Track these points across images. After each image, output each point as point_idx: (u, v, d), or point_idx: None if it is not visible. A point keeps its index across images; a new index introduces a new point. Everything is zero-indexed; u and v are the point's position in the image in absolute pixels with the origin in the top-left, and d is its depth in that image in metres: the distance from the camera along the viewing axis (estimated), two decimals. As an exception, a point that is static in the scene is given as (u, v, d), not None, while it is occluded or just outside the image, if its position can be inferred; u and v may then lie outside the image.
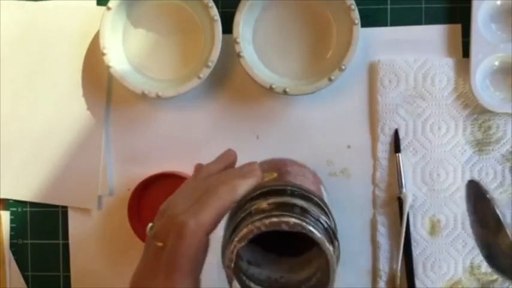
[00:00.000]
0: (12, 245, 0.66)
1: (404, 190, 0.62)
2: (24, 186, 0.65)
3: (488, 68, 0.61)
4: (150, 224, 0.46)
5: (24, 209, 0.66)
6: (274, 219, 0.40)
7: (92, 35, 0.64)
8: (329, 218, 0.45)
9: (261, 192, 0.45)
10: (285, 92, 0.60)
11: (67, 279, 0.65)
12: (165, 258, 0.42)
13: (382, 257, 0.63)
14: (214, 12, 0.60)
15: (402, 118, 0.63)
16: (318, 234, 0.41)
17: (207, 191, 0.44)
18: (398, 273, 0.62)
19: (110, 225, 0.65)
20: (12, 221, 0.66)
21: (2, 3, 0.65)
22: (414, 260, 0.62)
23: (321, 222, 0.43)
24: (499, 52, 0.60)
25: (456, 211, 0.62)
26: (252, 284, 0.43)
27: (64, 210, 0.65)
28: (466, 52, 0.62)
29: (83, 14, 0.64)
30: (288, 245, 0.46)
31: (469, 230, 0.62)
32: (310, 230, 0.41)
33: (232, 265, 0.41)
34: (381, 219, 0.63)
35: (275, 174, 0.49)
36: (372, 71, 0.63)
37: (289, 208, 0.43)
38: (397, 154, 0.62)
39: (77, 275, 0.65)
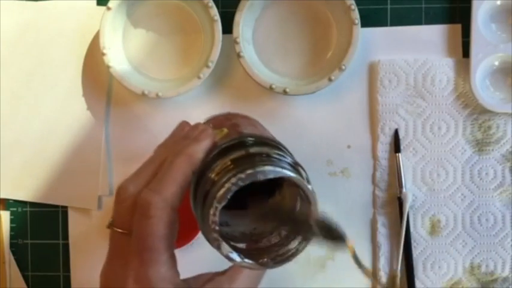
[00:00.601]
0: (12, 245, 0.66)
1: (404, 190, 0.62)
2: (25, 186, 0.65)
3: (488, 68, 0.61)
4: (111, 219, 0.44)
5: (24, 209, 0.66)
6: (250, 171, 0.39)
7: (92, 35, 0.64)
8: (289, 154, 0.44)
9: (219, 152, 0.43)
10: (285, 92, 0.60)
11: (67, 279, 0.65)
12: (135, 242, 0.40)
13: (382, 257, 0.63)
14: (214, 12, 0.60)
15: (402, 118, 0.63)
16: (294, 175, 0.40)
17: (161, 165, 0.42)
18: (398, 273, 0.62)
19: (110, 225, 0.65)
20: (12, 221, 0.66)
21: (2, 3, 0.65)
22: (414, 260, 0.62)
23: (286, 162, 0.42)
24: (499, 52, 0.60)
25: (456, 211, 0.62)
26: (232, 243, 0.41)
27: (64, 210, 0.65)
28: (466, 52, 0.62)
29: (83, 14, 0.64)
30: (243, 199, 0.43)
31: (469, 230, 0.62)
32: (287, 174, 0.40)
33: (217, 228, 0.39)
34: (381, 219, 0.63)
35: (225, 130, 0.47)
36: (372, 71, 0.63)
37: (255, 158, 0.41)
38: (397, 154, 0.62)
39: (77, 275, 0.65)
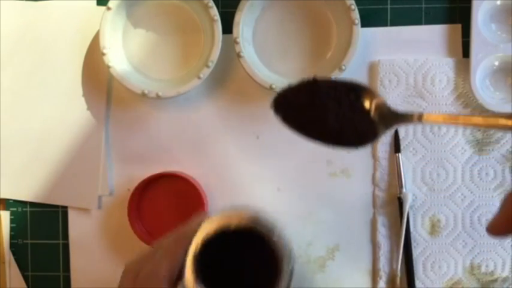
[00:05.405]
0: (12, 245, 0.66)
1: (404, 190, 0.62)
2: (24, 186, 0.65)
3: (488, 68, 0.61)
4: None
5: (24, 209, 0.66)
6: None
7: (92, 35, 0.64)
8: None
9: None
10: (285, 92, 0.60)
11: (67, 279, 0.65)
12: None
13: (382, 257, 0.63)
14: (214, 12, 0.60)
15: (402, 118, 0.62)
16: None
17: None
18: (398, 273, 0.62)
19: (110, 225, 0.65)
20: (12, 221, 0.66)
21: (2, 3, 0.65)
22: (414, 260, 0.62)
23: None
24: (499, 52, 0.60)
25: (456, 211, 0.62)
26: None
27: (64, 210, 0.65)
28: (466, 52, 0.62)
29: (83, 14, 0.64)
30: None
31: (469, 230, 0.62)
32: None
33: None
34: (381, 219, 0.63)
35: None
36: (372, 71, 0.63)
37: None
38: (397, 154, 0.62)
39: (77, 275, 0.65)
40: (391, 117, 0.41)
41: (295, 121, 0.43)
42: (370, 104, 0.41)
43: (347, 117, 0.41)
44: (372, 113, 0.41)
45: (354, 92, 0.41)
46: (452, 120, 0.40)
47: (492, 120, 0.39)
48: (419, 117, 0.41)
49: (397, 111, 0.41)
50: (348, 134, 0.41)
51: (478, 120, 0.40)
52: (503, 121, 0.38)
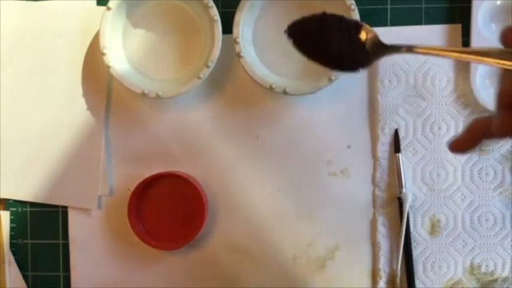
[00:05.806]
0: (12, 245, 0.66)
1: (404, 190, 0.62)
2: (24, 186, 0.65)
3: (488, 68, 0.61)
4: None
5: (24, 209, 0.66)
6: None
7: (92, 35, 0.64)
8: None
9: None
10: (285, 92, 0.60)
11: (67, 279, 0.65)
12: None
13: (382, 257, 0.63)
14: (214, 12, 0.60)
15: (402, 118, 0.63)
16: None
17: None
18: (398, 273, 0.62)
19: (110, 225, 0.65)
20: (12, 221, 0.66)
21: (2, 3, 0.65)
22: (414, 260, 0.62)
23: None
24: (499, 52, 0.60)
25: (456, 211, 0.62)
26: None
27: (64, 210, 0.65)
28: (466, 52, 0.62)
29: (83, 14, 0.64)
30: None
31: (469, 230, 0.62)
32: None
33: None
34: (381, 219, 0.63)
35: None
36: (372, 71, 0.63)
37: None
38: (397, 154, 0.62)
39: (77, 275, 0.65)
40: (382, 48, 0.48)
41: (304, 45, 0.49)
42: (366, 37, 0.49)
43: (347, 47, 0.48)
44: (367, 45, 0.48)
45: (355, 27, 0.48)
46: (443, 51, 0.45)
47: (483, 56, 0.43)
48: (409, 49, 0.47)
49: (387, 44, 0.48)
50: (346, 60, 0.48)
51: (468, 56, 0.44)
52: (495, 60, 0.42)
